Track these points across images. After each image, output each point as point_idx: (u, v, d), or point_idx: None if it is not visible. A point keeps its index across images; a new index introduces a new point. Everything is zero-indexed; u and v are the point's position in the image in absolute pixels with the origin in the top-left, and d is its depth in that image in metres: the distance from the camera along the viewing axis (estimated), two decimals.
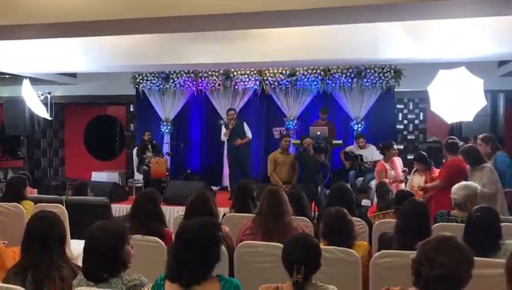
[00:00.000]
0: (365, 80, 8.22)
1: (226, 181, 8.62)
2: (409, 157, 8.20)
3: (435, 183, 5.03)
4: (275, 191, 3.41)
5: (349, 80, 8.25)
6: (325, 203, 4.31)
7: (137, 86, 9.12)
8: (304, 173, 6.50)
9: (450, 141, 5.05)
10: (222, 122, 7.88)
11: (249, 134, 7.86)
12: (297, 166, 6.81)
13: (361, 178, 7.26)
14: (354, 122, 8.44)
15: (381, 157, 6.34)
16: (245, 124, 7.90)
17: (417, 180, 5.34)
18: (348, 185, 4.25)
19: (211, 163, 9.29)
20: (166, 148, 9.06)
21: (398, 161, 6.17)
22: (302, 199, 4.13)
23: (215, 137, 8.89)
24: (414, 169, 5.62)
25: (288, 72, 8.38)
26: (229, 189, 8.33)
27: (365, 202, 5.77)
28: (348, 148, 7.93)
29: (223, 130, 7.89)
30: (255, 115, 8.98)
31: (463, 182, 3.87)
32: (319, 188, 6.03)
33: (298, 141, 7.93)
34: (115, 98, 9.62)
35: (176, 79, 8.85)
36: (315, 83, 8.38)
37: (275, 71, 8.45)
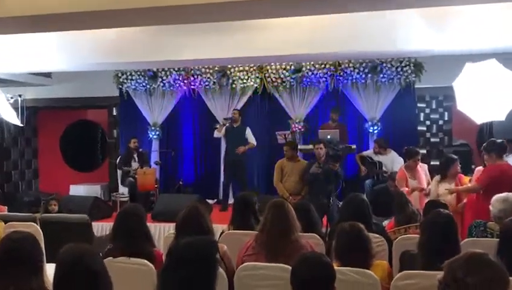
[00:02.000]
0: (381, 76, 8.23)
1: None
2: (432, 163, 8.21)
3: (469, 185, 5.01)
4: (280, 204, 3.40)
5: (363, 76, 8.27)
6: (337, 217, 4.30)
7: (120, 86, 9.15)
8: (315, 183, 6.50)
9: (498, 141, 4.96)
10: (224, 121, 7.97)
11: (252, 140, 7.94)
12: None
13: (383, 185, 7.24)
14: (369, 123, 8.45)
15: (402, 166, 6.33)
16: (249, 129, 7.98)
17: (444, 189, 5.33)
18: (364, 196, 4.24)
19: (206, 173, 9.29)
20: (154, 156, 9.07)
21: (422, 169, 6.16)
22: (311, 212, 4.12)
23: (211, 143, 8.90)
24: (437, 177, 5.61)
25: (293, 67, 8.40)
26: (220, 197, 8.37)
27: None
28: (365, 153, 7.93)
29: (216, 133, 8.03)
30: (255, 117, 9.00)
31: (504, 194, 3.80)
32: (331, 200, 6.01)
33: (306, 147, 7.94)
34: (96, 100, 9.64)
35: (164, 78, 8.87)
36: (324, 79, 8.40)
37: (278, 67, 8.47)
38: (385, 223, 4.75)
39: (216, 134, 8.03)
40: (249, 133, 7.95)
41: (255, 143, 7.96)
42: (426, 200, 5.12)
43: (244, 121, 8.31)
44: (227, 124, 7.95)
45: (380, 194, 6.76)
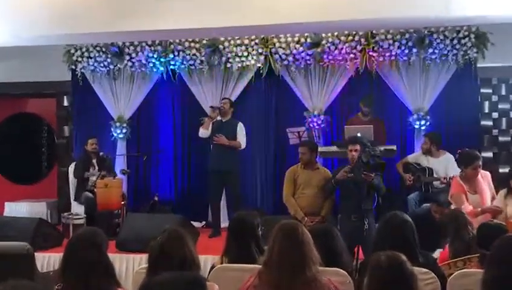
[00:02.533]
0: (430, 51, 8.21)
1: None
2: (501, 170, 8.18)
3: None
4: (291, 228, 3.39)
5: (406, 52, 8.25)
6: (371, 246, 4.28)
7: (73, 67, 9.16)
8: (344, 198, 6.49)
9: None
10: (211, 112, 8.00)
11: (241, 140, 7.93)
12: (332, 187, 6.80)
13: (428, 204, 7.23)
14: (414, 117, 8.43)
15: (456, 177, 6.30)
16: (241, 126, 7.99)
17: None
18: (407, 216, 4.22)
19: (191, 186, 9.30)
20: (120, 163, 9.07)
21: (485, 179, 6.14)
22: (335, 239, 4.09)
23: (197, 145, 8.89)
24: (503, 191, 5.57)
25: (309, 40, 8.39)
26: (209, 219, 8.38)
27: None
28: (411, 157, 7.90)
29: (201, 131, 8.02)
30: (258, 108, 9.01)
31: None
32: (366, 222, 5.99)
33: (328, 149, 7.90)
34: (40, 86, 9.65)
35: (134, 55, 8.88)
36: (352, 56, 8.38)
37: (289, 40, 8.46)
38: (436, 253, 4.72)
39: (202, 132, 7.99)
40: (240, 130, 7.95)
41: (243, 145, 7.95)
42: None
43: (238, 114, 8.34)
44: (215, 119, 7.92)
45: (421, 220, 6.72)
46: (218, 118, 7.98)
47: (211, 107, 8.12)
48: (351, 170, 6.17)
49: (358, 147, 6.36)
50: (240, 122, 8.01)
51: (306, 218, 6.59)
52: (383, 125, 8.15)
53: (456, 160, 6.36)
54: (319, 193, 6.80)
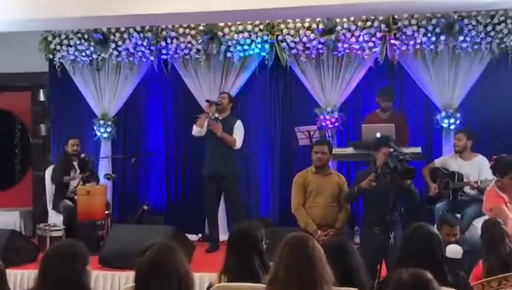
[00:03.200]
0: (461, 39, 8.20)
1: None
2: None
3: None
4: (301, 242, 3.40)
5: (432, 40, 8.24)
6: (394, 262, 4.28)
7: (51, 57, 9.18)
8: (367, 208, 6.49)
9: None
10: (207, 106, 7.99)
11: (237, 138, 7.91)
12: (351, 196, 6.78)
13: (458, 215, 7.21)
14: (442, 114, 8.42)
15: (493, 186, 6.24)
16: (239, 124, 7.99)
17: None
18: (433, 228, 4.21)
19: (185, 193, 9.32)
20: (104, 167, 9.10)
21: None
22: (351, 255, 4.08)
23: (193, 146, 8.90)
24: None
25: (321, 26, 8.39)
26: (206, 231, 8.40)
27: (452, 251, 5.64)
28: (438, 162, 7.88)
29: (195, 129, 8.00)
30: (262, 104, 9.02)
31: None
32: (392, 236, 5.98)
33: (342, 151, 7.89)
34: (12, 78, 9.66)
35: (120, 43, 8.89)
36: (370, 45, 8.38)
37: (298, 25, 8.47)
38: None
39: (196, 130, 7.98)
40: (238, 127, 7.94)
41: (237, 143, 7.92)
42: None
43: (240, 111, 8.39)
44: (212, 115, 7.91)
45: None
46: (216, 114, 7.97)
47: (207, 101, 8.09)
48: (376, 177, 6.14)
49: (391, 149, 6.29)
50: (239, 120, 8.02)
51: (319, 231, 6.57)
52: (405, 123, 8.15)
53: (490, 167, 6.31)
54: (333, 202, 6.80)
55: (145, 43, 8.83)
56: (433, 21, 8.20)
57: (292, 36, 8.50)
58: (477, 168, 7.49)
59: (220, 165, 7.84)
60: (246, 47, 8.63)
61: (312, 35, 8.44)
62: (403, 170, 5.91)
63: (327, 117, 8.60)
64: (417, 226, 4.09)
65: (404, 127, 8.03)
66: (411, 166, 6.01)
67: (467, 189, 7.45)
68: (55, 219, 8.38)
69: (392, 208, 6.10)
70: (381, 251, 5.80)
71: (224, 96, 8.09)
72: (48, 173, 8.76)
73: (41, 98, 9.90)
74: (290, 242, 3.42)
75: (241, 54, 8.70)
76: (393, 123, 7.58)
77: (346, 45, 8.43)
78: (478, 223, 6.49)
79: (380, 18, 8.27)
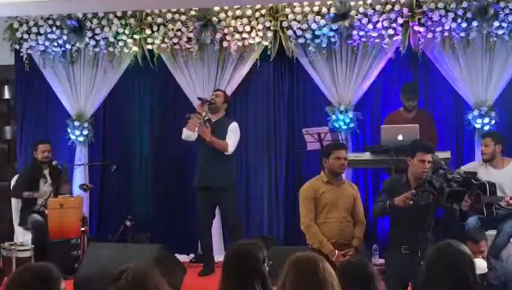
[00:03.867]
0: (496, 25, 8.18)
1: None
2: None
3: None
4: (308, 263, 3.40)
5: (463, 26, 8.22)
6: (419, 286, 4.24)
7: (17, 47, 9.18)
8: (396, 225, 6.46)
9: None
10: (199, 105, 7.98)
11: (230, 142, 7.88)
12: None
13: (494, 231, 7.20)
14: (475, 113, 8.40)
15: None
16: (235, 126, 7.98)
17: None
18: (464, 247, 4.16)
19: (174, 207, 9.29)
20: (80, 175, 9.10)
21: None
22: (373, 280, 4.04)
23: (184, 151, 8.88)
24: None
25: (333, 10, 8.39)
26: (199, 251, 8.41)
27: (479, 266, 5.64)
28: (465, 169, 7.85)
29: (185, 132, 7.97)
30: (265, 101, 9.02)
31: None
32: (421, 257, 5.94)
33: (359, 157, 7.85)
34: None
35: (98, 31, 8.88)
36: (391, 32, 8.35)
37: (306, 9, 8.46)
38: None
39: (186, 134, 7.94)
40: (232, 130, 7.92)
41: (230, 148, 7.87)
42: None
43: (239, 110, 8.39)
44: (205, 117, 7.88)
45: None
46: (209, 115, 7.97)
47: (199, 99, 8.07)
48: (414, 196, 6.10)
49: (430, 157, 6.31)
50: (234, 122, 8.00)
51: (336, 251, 6.51)
52: (432, 124, 8.15)
53: None
54: (349, 216, 6.77)
55: (127, 31, 8.84)
56: (464, 4, 8.19)
57: (299, 22, 8.49)
58: (511, 177, 7.48)
59: (214, 175, 7.83)
60: (245, 35, 8.62)
61: (322, 22, 8.43)
62: (452, 193, 5.85)
63: (340, 117, 8.59)
64: (445, 244, 4.05)
65: (433, 129, 8.05)
66: (461, 188, 5.93)
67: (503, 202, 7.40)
68: (23, 237, 8.36)
69: (424, 225, 6.09)
70: (408, 274, 5.78)
71: (218, 94, 8.06)
72: (13, 182, 8.72)
73: (6, 95, 9.90)
74: (296, 263, 3.42)
75: (240, 44, 8.68)
76: (417, 124, 7.56)
77: (362, 33, 8.43)
78: None
79: (402, 1, 8.27)
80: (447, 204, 6.03)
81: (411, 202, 6.05)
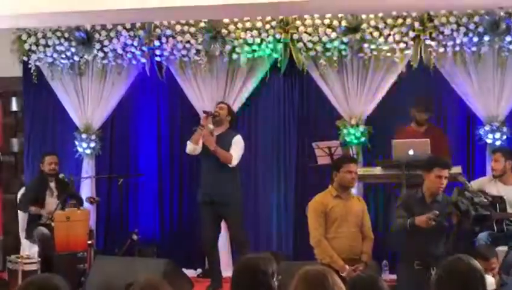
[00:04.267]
0: (508, 40, 8.17)
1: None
2: None
3: None
4: (317, 277, 3.38)
5: (475, 41, 8.21)
6: None
7: (25, 59, 9.19)
8: (410, 239, 6.41)
9: None
10: (204, 117, 7.95)
11: (234, 154, 7.85)
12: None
13: (505, 247, 7.14)
14: (487, 128, 8.39)
15: None
16: (238, 138, 7.95)
17: None
18: (475, 261, 4.12)
19: (181, 220, 9.30)
20: (87, 188, 9.10)
21: None
22: None
23: (191, 164, 8.87)
24: None
25: (344, 23, 8.39)
26: (206, 266, 8.41)
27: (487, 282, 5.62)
28: (474, 185, 7.81)
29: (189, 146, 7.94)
30: (274, 114, 9.01)
31: None
32: (434, 273, 5.91)
33: (370, 171, 7.85)
34: None
35: (106, 42, 8.89)
36: (402, 46, 8.35)
37: (317, 22, 8.45)
38: None
39: (190, 148, 7.90)
40: (236, 142, 7.89)
41: (234, 160, 7.84)
42: None
43: (247, 123, 8.43)
44: (211, 129, 7.84)
45: None
46: (211, 126, 7.90)
47: (204, 112, 8.02)
48: (437, 216, 6.08)
49: (447, 173, 6.30)
50: (238, 135, 7.98)
51: (347, 266, 6.49)
52: (444, 138, 8.14)
53: None
54: (358, 231, 6.78)
55: (135, 43, 8.84)
56: (475, 18, 8.17)
57: (310, 35, 8.48)
58: None
59: (218, 189, 7.79)
60: (254, 47, 8.63)
61: (333, 34, 8.43)
62: (478, 217, 5.81)
63: (351, 131, 8.59)
64: (455, 259, 4.00)
65: (446, 144, 8.03)
66: (487, 212, 5.89)
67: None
68: (29, 249, 8.35)
69: (437, 241, 6.07)
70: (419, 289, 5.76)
71: (222, 107, 8.03)
72: (21, 196, 8.72)
73: (14, 107, 9.87)
74: (306, 277, 3.40)
75: (249, 56, 8.70)
76: (428, 139, 7.55)
77: (373, 46, 8.42)
78: None
79: (413, 14, 8.26)
80: (471, 227, 6.01)
81: (433, 223, 6.04)
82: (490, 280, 5.21)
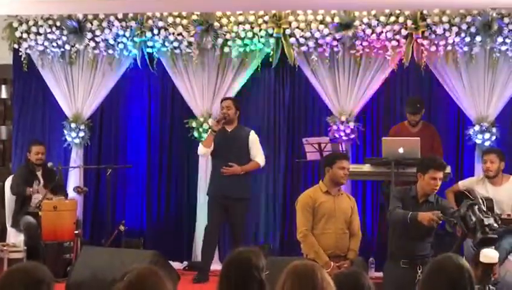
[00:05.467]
0: (500, 41, 8.20)
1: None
2: None
3: None
4: (307, 272, 3.39)
5: (466, 40, 8.23)
6: None
7: (16, 46, 9.18)
8: (396, 237, 6.43)
9: None
10: (213, 125, 7.99)
11: (259, 157, 7.97)
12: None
13: (491, 247, 7.16)
14: (476, 128, 8.41)
15: None
16: (254, 135, 8.03)
17: None
18: (463, 260, 4.16)
19: (170, 211, 9.28)
20: (75, 178, 9.09)
21: None
22: (363, 289, 4.04)
23: (181, 156, 8.90)
24: None
25: (337, 20, 8.39)
26: (194, 257, 8.45)
27: (487, 255, 5.62)
28: (463, 184, 7.86)
29: (201, 150, 8.00)
30: (264, 109, 9.03)
31: None
32: (420, 271, 5.97)
33: (359, 168, 7.86)
34: None
35: (98, 32, 8.87)
36: (394, 44, 8.37)
37: (310, 18, 8.45)
38: None
39: (204, 151, 7.97)
40: (254, 142, 7.97)
41: (261, 162, 7.98)
42: None
43: (243, 119, 8.34)
44: (216, 128, 7.86)
45: None
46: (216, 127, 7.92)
47: (218, 121, 7.96)
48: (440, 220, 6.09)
49: (442, 175, 6.33)
50: (252, 131, 8.05)
51: (332, 263, 6.50)
52: (437, 138, 8.16)
53: None
54: (346, 228, 6.77)
55: (127, 34, 8.82)
56: (468, 19, 8.20)
57: (302, 30, 8.48)
58: (509, 194, 7.50)
59: (232, 186, 7.85)
60: (246, 41, 8.61)
61: (326, 30, 8.42)
62: (484, 240, 5.75)
63: (341, 127, 8.59)
64: (444, 258, 4.01)
65: (438, 144, 8.07)
66: (495, 235, 5.81)
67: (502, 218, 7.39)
68: (15, 238, 8.35)
69: (424, 239, 6.09)
70: (405, 288, 5.78)
71: (229, 106, 7.99)
72: (8, 184, 8.69)
73: (3, 94, 9.92)
74: (294, 272, 3.40)
75: (241, 50, 8.68)
76: (419, 137, 7.57)
77: (365, 43, 8.44)
78: None
79: (406, 13, 8.28)
80: (475, 247, 5.99)
81: (435, 225, 6.07)
82: (493, 253, 5.20)
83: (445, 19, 8.22)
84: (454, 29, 8.21)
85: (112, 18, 8.78)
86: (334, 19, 8.39)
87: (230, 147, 7.87)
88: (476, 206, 5.85)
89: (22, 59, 9.16)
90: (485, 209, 5.90)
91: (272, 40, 8.58)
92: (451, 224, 5.96)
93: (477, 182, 7.73)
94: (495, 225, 5.72)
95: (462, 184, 7.82)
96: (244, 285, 3.93)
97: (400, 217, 6.33)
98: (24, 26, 9.03)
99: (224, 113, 7.93)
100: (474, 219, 5.70)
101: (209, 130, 8.01)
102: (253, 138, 8.00)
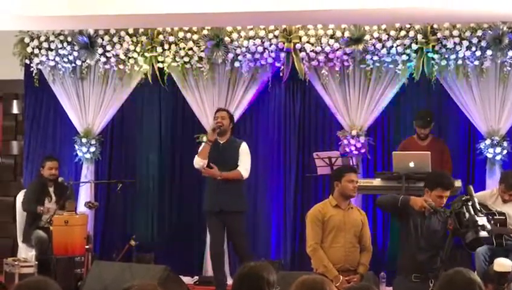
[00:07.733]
0: (510, 54, 8.16)
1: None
2: None
3: None
4: (315, 286, 3.39)
5: (477, 54, 8.21)
6: None
7: (27, 62, 9.21)
8: (405, 250, 6.41)
9: None
10: (210, 133, 7.91)
11: (243, 167, 7.81)
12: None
13: (482, 246, 7.11)
14: (487, 142, 8.38)
15: None
16: (245, 146, 7.91)
17: None
18: (474, 275, 4.16)
19: (179, 227, 9.28)
20: (86, 193, 9.09)
21: None
22: None
23: (191, 172, 8.85)
24: None
25: (347, 34, 8.41)
26: (203, 274, 8.40)
27: (501, 263, 5.60)
28: (476, 198, 7.80)
29: (197, 161, 7.92)
30: (275, 123, 9.02)
31: None
32: (432, 285, 5.92)
33: (369, 183, 7.86)
34: None
35: (109, 48, 8.91)
36: (405, 58, 8.38)
37: (320, 33, 8.47)
38: None
39: (199, 163, 7.80)
40: (243, 152, 7.85)
41: (244, 173, 7.81)
42: None
43: (248, 131, 8.40)
44: (212, 138, 7.77)
45: None
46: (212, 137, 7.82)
47: (213, 130, 7.83)
48: (433, 212, 6.09)
49: (448, 193, 6.26)
50: (244, 142, 7.94)
51: (341, 277, 6.45)
52: (447, 152, 8.14)
53: None
54: (356, 243, 6.70)
55: (138, 49, 8.85)
56: (479, 32, 8.19)
57: (312, 45, 8.49)
58: None
59: (227, 199, 7.73)
60: (257, 56, 8.62)
61: (336, 45, 8.44)
62: (477, 240, 5.75)
63: (352, 142, 8.57)
64: (455, 272, 4.01)
65: (447, 158, 8.06)
66: (486, 234, 5.80)
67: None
68: (26, 253, 8.37)
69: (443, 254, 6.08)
70: None
71: (224, 116, 7.88)
72: (19, 199, 8.71)
73: (15, 110, 9.92)
74: (303, 287, 3.40)
75: (252, 64, 8.69)
76: (429, 151, 7.57)
77: (375, 57, 8.44)
78: None
79: (417, 27, 8.28)
80: (466, 248, 5.97)
81: (426, 213, 6.06)
82: (507, 262, 5.19)
83: (455, 32, 8.20)
84: (465, 43, 8.19)
85: (122, 33, 8.84)
86: (344, 34, 8.40)
87: (223, 159, 7.75)
88: (470, 203, 5.85)
89: (33, 74, 9.22)
90: (479, 208, 5.90)
91: (282, 55, 8.58)
92: (444, 216, 5.95)
93: (491, 196, 7.68)
94: (488, 226, 5.73)
95: (477, 196, 7.80)
96: None
97: (390, 200, 6.33)
98: (35, 42, 9.09)
99: (219, 122, 7.82)
100: (467, 216, 5.70)
101: (204, 142, 7.90)
102: (244, 148, 7.85)
